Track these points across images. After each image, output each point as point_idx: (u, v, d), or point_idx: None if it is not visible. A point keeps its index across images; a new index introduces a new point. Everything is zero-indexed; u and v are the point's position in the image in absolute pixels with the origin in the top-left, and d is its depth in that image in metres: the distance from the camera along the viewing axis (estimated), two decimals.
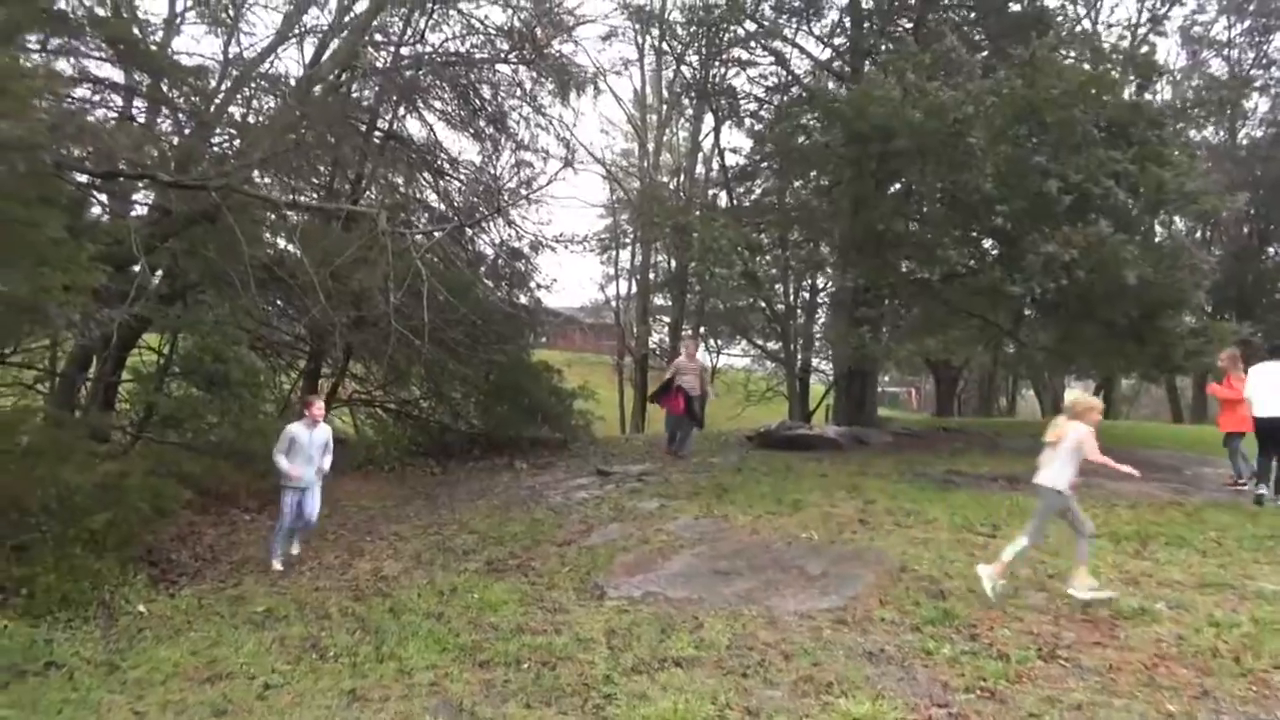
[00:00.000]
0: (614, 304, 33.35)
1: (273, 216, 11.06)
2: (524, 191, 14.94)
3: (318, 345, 13.49)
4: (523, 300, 17.36)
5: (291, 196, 11.22)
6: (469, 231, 16.01)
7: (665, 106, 28.58)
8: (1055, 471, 6.56)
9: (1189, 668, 5.19)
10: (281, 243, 12.17)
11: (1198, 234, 27.94)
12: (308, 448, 8.64)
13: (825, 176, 14.27)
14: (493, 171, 15.75)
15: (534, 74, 15.71)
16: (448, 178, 16.16)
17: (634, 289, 32.56)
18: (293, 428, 8.72)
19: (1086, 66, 12.14)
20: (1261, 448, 10.43)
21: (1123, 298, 11.99)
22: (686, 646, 5.69)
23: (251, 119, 12.00)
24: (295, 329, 13.44)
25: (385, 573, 8.29)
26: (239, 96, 11.91)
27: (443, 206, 16.02)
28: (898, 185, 13.20)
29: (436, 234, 11.93)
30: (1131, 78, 12.91)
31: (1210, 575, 7.12)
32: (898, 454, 13.92)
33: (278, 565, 8.58)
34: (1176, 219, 13.44)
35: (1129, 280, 11.34)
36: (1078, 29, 14.82)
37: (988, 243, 13.40)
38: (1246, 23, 30.16)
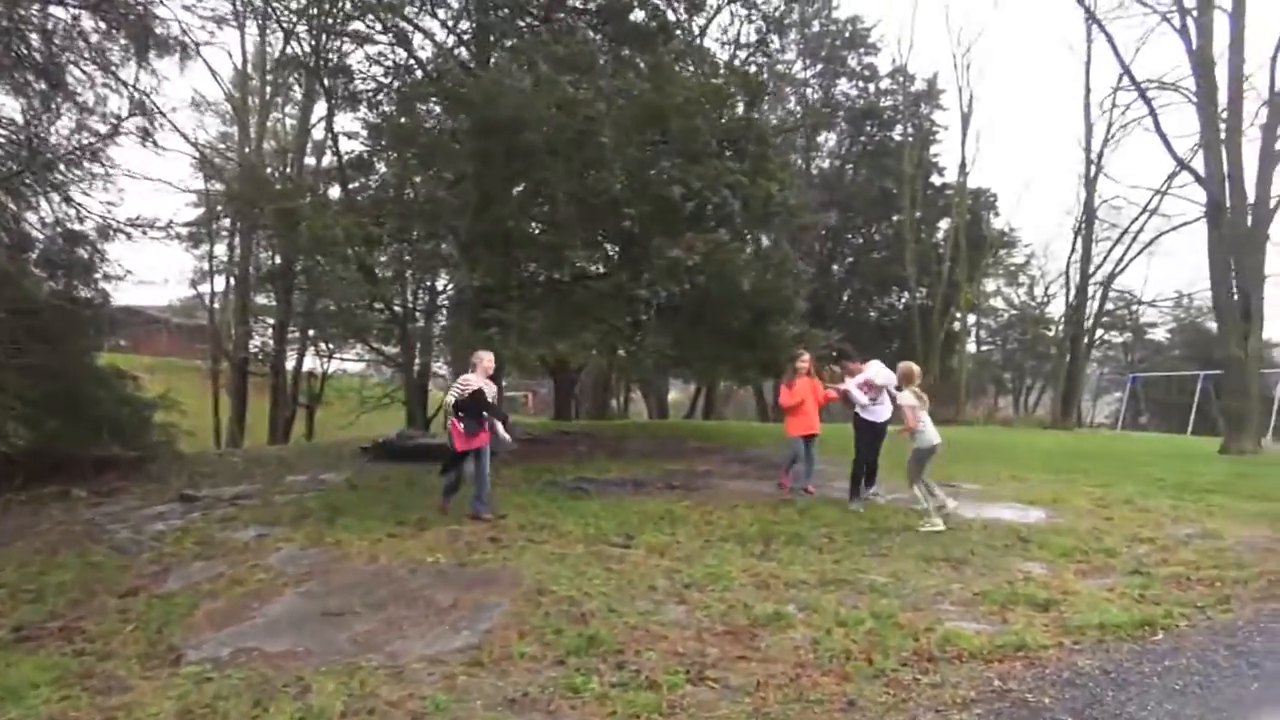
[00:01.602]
0: (208, 303, 29.70)
1: None
2: (81, 158, 12.26)
3: None
4: (86, 294, 14.38)
5: None
6: (11, 207, 12.92)
7: (270, 85, 25.93)
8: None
9: (830, 675, 5.14)
10: None
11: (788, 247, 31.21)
12: None
13: (450, 169, 13.38)
14: (39, 134, 12.77)
15: (101, 24, 13.06)
16: None
17: (232, 286, 29.22)
18: None
19: (709, 80, 12.50)
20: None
21: (736, 304, 12.47)
22: None
23: None
24: None
25: None
26: None
27: None
28: (526, 182, 12.64)
29: None
30: (741, 96, 13.56)
31: (829, 572, 7.35)
32: (525, 461, 13.44)
33: None
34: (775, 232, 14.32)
35: (744, 287, 11.77)
36: (694, 43, 15.42)
37: (614, 246, 13.36)
38: (819, 66, 34.25)
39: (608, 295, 12.84)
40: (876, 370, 10.53)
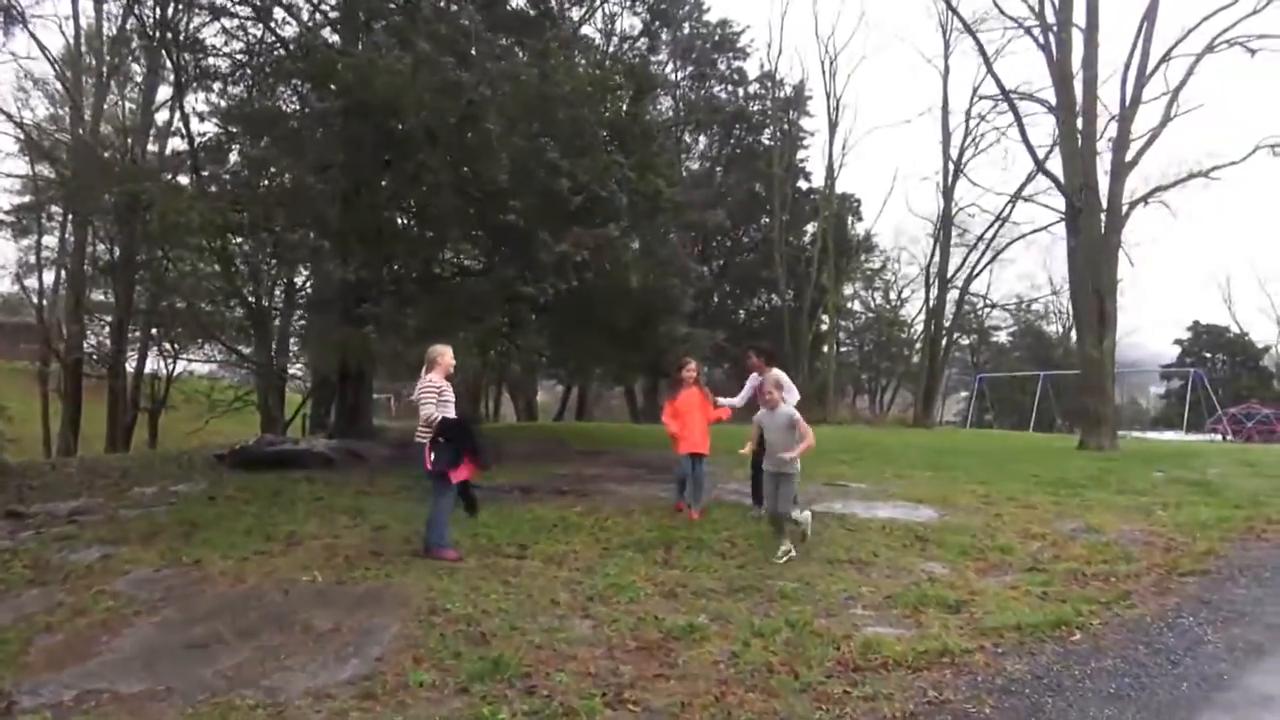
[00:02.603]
0: (37, 299, 27.16)
1: None
2: None
3: None
4: None
5: None
6: None
7: (107, 63, 23.83)
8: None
9: (756, 690, 4.90)
10: None
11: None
12: None
13: (317, 155, 12.43)
14: None
15: None
16: None
17: (64, 281, 26.81)
18: None
19: (595, 71, 12.07)
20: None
21: (624, 302, 12.10)
22: None
23: None
24: None
25: None
26: None
27: None
28: (401, 170, 11.85)
29: None
30: (628, 89, 13.19)
31: (736, 578, 7.15)
32: (401, 468, 12.60)
33: None
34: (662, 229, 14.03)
35: (632, 284, 11.40)
36: (577, 33, 14.91)
37: (495, 241, 12.70)
38: (689, 69, 34.38)
39: (489, 292, 12.24)
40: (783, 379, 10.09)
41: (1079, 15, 17.78)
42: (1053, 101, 18.94)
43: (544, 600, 6.47)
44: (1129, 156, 18.24)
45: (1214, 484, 12.53)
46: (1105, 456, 16.14)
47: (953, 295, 38.57)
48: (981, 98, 28.43)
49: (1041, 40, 18.67)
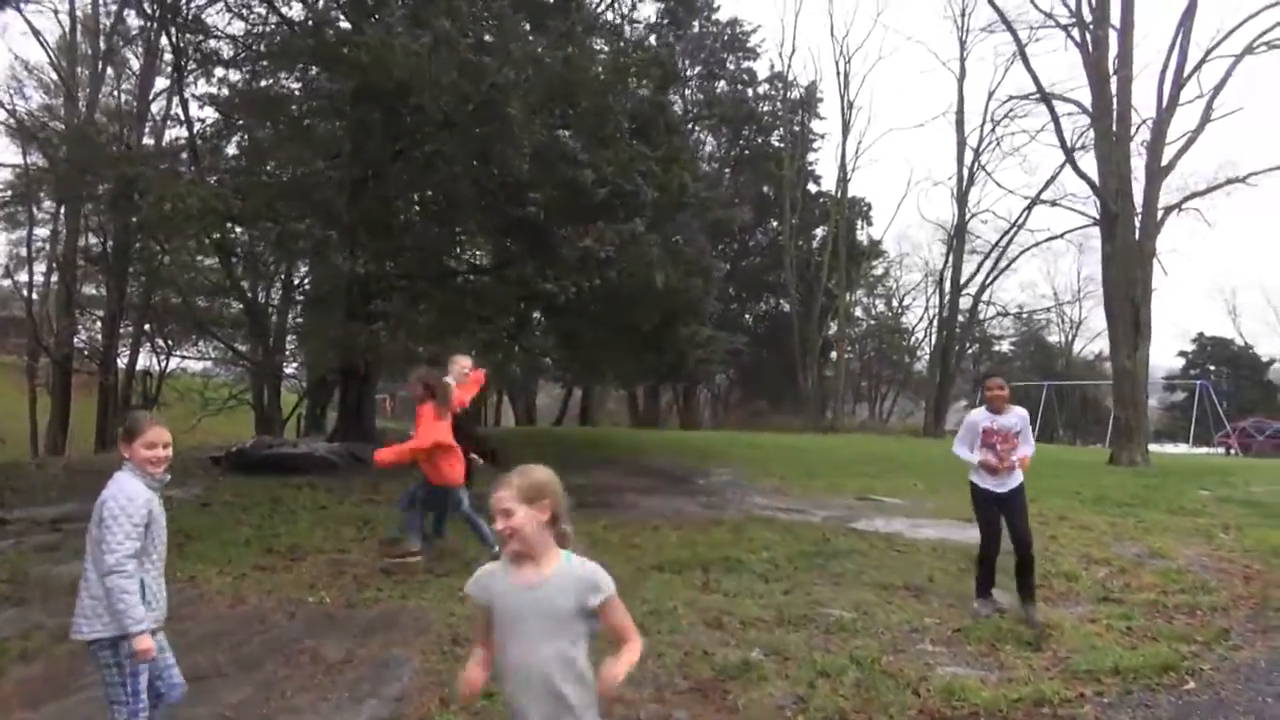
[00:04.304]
0: (26, 292, 26.47)
1: None
2: None
3: None
4: None
5: None
6: None
7: (103, 51, 23.09)
8: None
9: None
10: None
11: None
12: None
13: (325, 141, 11.75)
14: None
15: None
16: None
17: (54, 273, 26.11)
18: None
19: (621, 58, 11.42)
20: None
21: (647, 302, 11.44)
22: None
23: None
24: None
25: None
26: None
27: None
28: (414, 158, 11.17)
29: None
30: (652, 78, 12.53)
31: (784, 606, 6.53)
32: (408, 474, 11.93)
33: None
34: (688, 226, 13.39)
35: (657, 283, 10.75)
36: (601, 18, 14.26)
37: (509, 234, 12.03)
38: (698, 69, 33.78)
39: (502, 290, 11.58)
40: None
41: (1115, 14, 17.19)
42: (1083, 102, 18.40)
43: None
44: (1164, 161, 17.65)
45: (1268, 503, 11.92)
46: (1140, 472, 15.51)
47: (963, 303, 38.05)
48: (1010, 97, 27.56)
49: (1078, 39, 18.10)
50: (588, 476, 12.95)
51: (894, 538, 8.91)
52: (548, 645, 2.43)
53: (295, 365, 24.31)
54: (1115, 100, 16.97)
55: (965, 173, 35.88)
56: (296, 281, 20.91)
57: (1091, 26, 17.55)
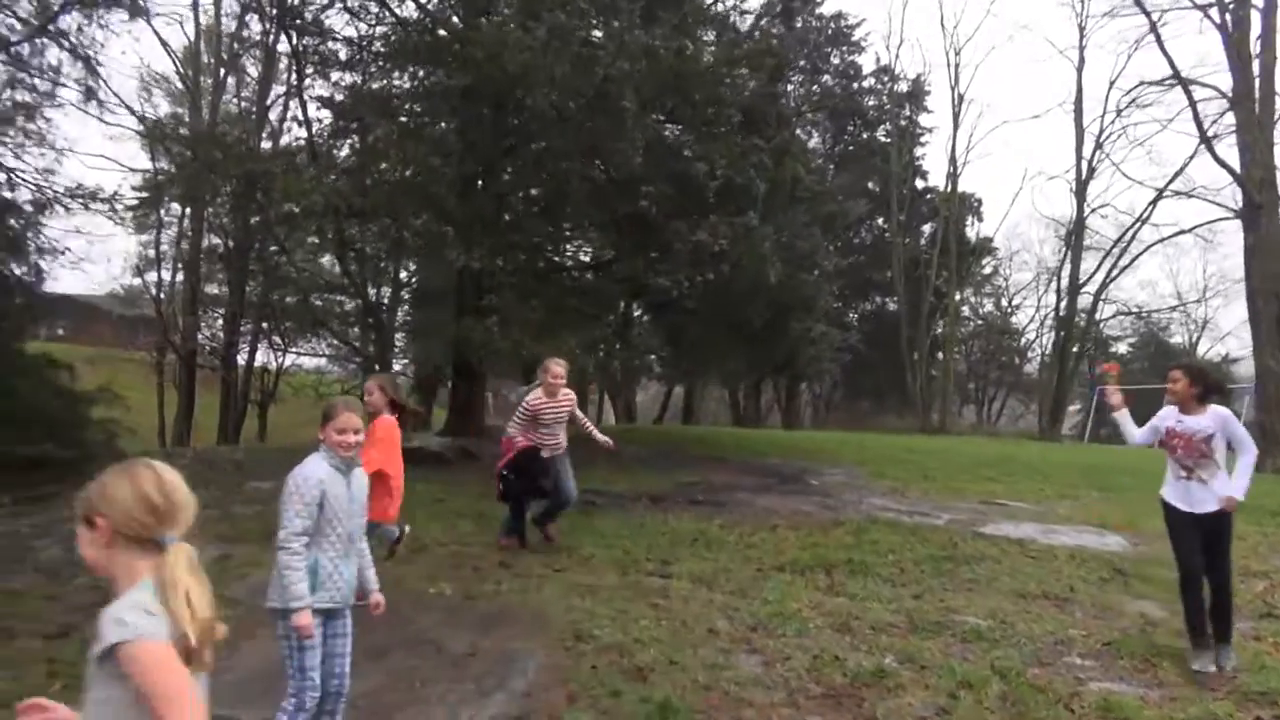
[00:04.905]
0: (154, 292, 27.71)
1: None
2: (15, 115, 10.56)
3: None
4: (17, 271, 12.61)
5: None
6: None
7: (225, 59, 24.10)
8: None
9: None
10: None
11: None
12: None
13: (440, 139, 11.85)
14: None
15: None
16: None
17: (180, 273, 27.31)
18: None
19: (734, 49, 11.20)
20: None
21: (759, 296, 11.18)
22: None
23: None
24: None
25: None
26: None
27: None
28: (525, 154, 11.18)
29: None
30: (765, 68, 12.25)
31: (915, 611, 6.29)
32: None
33: None
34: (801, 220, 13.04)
35: (770, 278, 10.47)
36: (712, 6, 14.00)
37: (619, 229, 11.92)
38: (801, 63, 33.12)
39: (610, 286, 11.47)
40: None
41: None
42: (1220, 86, 17.27)
43: (700, 629, 5.73)
44: None
45: None
46: None
47: (1082, 302, 36.40)
48: (1141, 82, 26.05)
49: (1217, 19, 17.02)
50: (698, 473, 12.76)
51: (1026, 543, 8.47)
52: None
53: (404, 362, 24.85)
54: (1258, 84, 15.92)
55: (1084, 165, 34.31)
56: (405, 278, 21.39)
57: (1232, 6, 16.50)
